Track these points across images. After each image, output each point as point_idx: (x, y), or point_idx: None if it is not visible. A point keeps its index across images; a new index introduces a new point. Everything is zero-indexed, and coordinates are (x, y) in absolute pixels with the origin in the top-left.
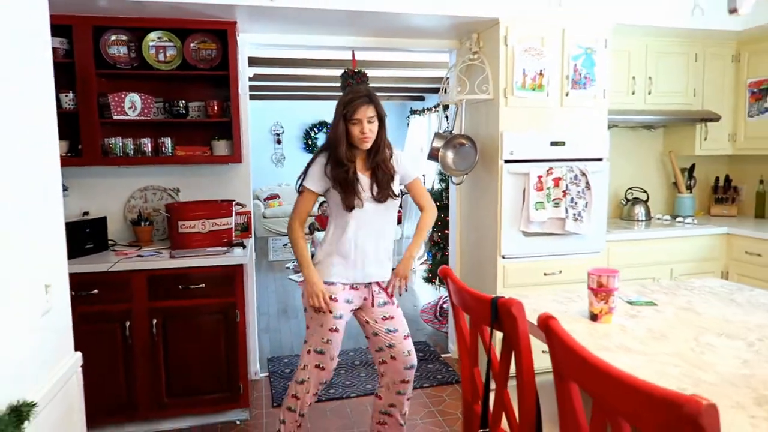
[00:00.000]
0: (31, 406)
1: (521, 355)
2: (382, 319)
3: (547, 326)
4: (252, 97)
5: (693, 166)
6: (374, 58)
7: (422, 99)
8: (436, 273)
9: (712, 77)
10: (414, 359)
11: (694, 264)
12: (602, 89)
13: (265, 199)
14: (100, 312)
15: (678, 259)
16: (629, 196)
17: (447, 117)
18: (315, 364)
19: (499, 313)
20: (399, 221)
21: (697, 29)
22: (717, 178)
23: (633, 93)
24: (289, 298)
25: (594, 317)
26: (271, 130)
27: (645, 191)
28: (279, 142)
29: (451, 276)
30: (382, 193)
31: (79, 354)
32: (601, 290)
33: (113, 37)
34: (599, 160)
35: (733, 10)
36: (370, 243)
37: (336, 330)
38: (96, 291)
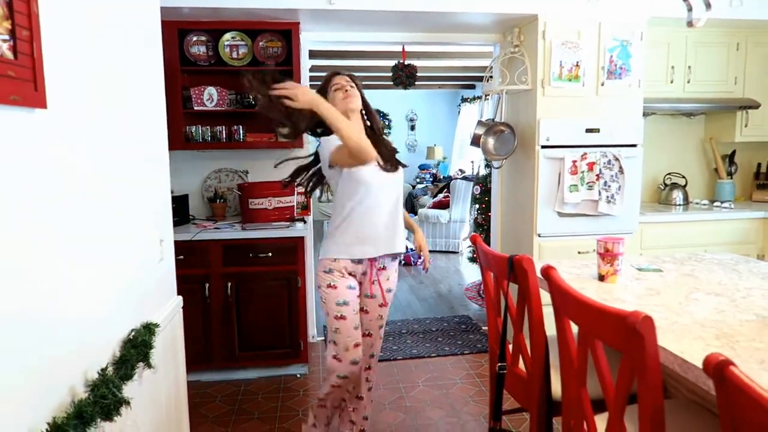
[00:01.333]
0: (156, 326)
1: (531, 301)
2: None
3: (547, 274)
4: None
5: (734, 153)
6: (426, 49)
7: (473, 87)
8: None
9: (754, 65)
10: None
11: (729, 247)
12: (637, 79)
13: None
14: (185, 275)
15: (712, 241)
16: (667, 181)
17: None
18: None
19: (514, 268)
20: (448, 206)
21: (738, 20)
22: (759, 164)
23: (671, 82)
24: None
25: (601, 278)
26: None
27: (683, 176)
28: None
29: (478, 241)
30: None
31: (180, 297)
32: (607, 254)
33: (194, 38)
34: (634, 146)
35: (690, 24)
36: None
37: None
38: (182, 257)
